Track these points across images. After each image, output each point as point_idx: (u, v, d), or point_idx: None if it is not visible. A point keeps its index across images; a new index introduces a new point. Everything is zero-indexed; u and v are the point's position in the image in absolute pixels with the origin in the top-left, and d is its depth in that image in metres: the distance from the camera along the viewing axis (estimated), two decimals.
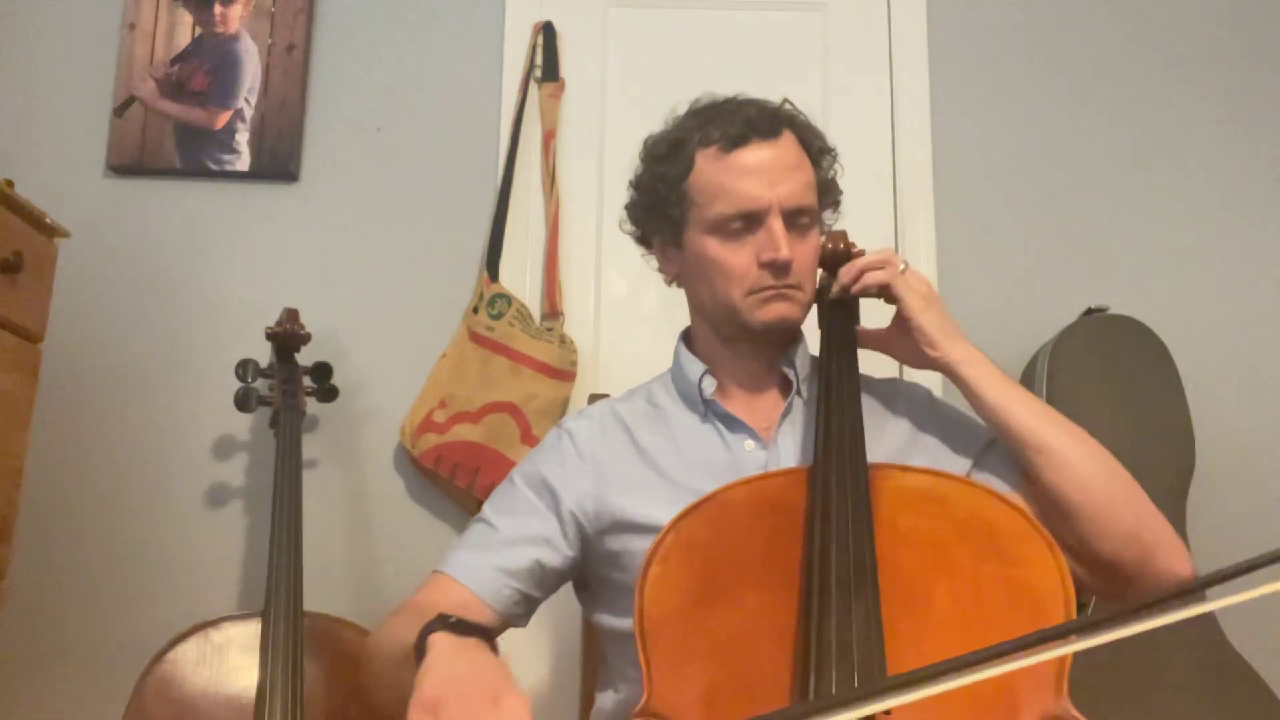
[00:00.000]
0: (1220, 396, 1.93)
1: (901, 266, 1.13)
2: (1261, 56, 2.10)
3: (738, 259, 1.12)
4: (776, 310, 1.13)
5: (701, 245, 1.14)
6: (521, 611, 1.14)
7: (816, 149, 1.19)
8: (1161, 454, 1.77)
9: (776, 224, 1.10)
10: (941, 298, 1.15)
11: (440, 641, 0.85)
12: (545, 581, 1.14)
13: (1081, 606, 1.79)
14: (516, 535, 1.13)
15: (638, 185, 1.23)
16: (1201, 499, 1.84)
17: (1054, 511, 1.03)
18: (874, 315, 1.19)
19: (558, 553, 1.13)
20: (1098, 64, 2.10)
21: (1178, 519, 1.76)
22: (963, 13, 2.11)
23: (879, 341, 1.19)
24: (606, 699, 1.15)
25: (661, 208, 1.18)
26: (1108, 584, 1.04)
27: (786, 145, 1.14)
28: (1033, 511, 0.98)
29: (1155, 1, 2.12)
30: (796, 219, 1.13)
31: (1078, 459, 1.04)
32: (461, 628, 0.87)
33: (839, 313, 1.17)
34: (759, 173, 1.11)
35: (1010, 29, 2.11)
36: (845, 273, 1.14)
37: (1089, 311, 1.89)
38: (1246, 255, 2.03)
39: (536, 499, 1.15)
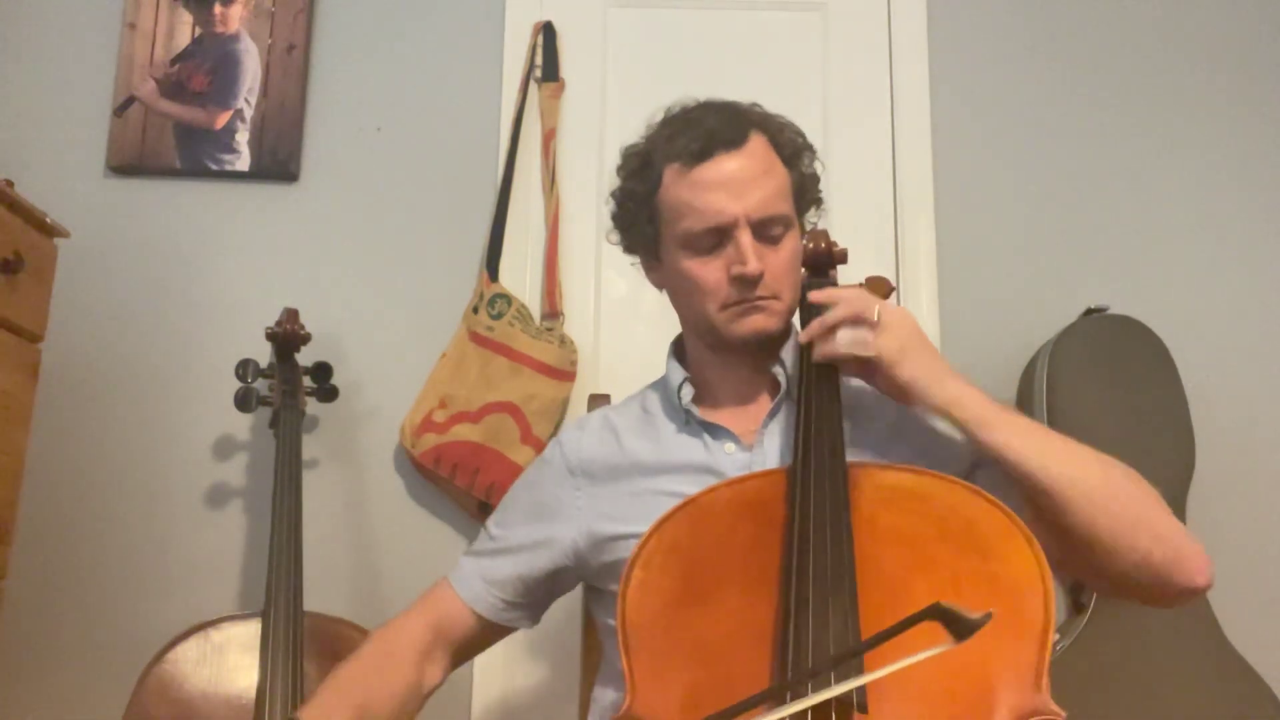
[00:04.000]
0: (1220, 396, 1.93)
1: (875, 313, 1.04)
2: (1261, 55, 2.10)
3: (709, 274, 1.11)
4: (752, 324, 1.12)
5: (675, 261, 1.14)
6: (516, 615, 1.19)
7: (790, 150, 1.16)
8: (1161, 454, 1.77)
9: (745, 237, 1.09)
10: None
11: None
12: (533, 590, 1.19)
13: (1081, 608, 1.79)
14: (505, 546, 1.19)
15: (614, 198, 1.23)
16: (1201, 499, 1.84)
17: (1059, 544, 0.99)
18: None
19: (542, 565, 1.17)
20: (1098, 63, 2.10)
21: (1178, 519, 1.76)
22: (963, 13, 2.11)
23: (863, 375, 1.10)
24: (606, 696, 1.16)
25: (636, 223, 1.18)
26: (1130, 598, 1.03)
27: (753, 152, 1.11)
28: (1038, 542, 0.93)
29: (1155, 1, 2.12)
30: (767, 229, 1.11)
31: (1083, 496, 0.97)
32: None
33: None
34: (724, 186, 1.09)
35: (1010, 28, 2.11)
36: (811, 332, 1.08)
37: (1089, 311, 1.89)
38: (1247, 255, 2.03)
39: (530, 514, 1.20)
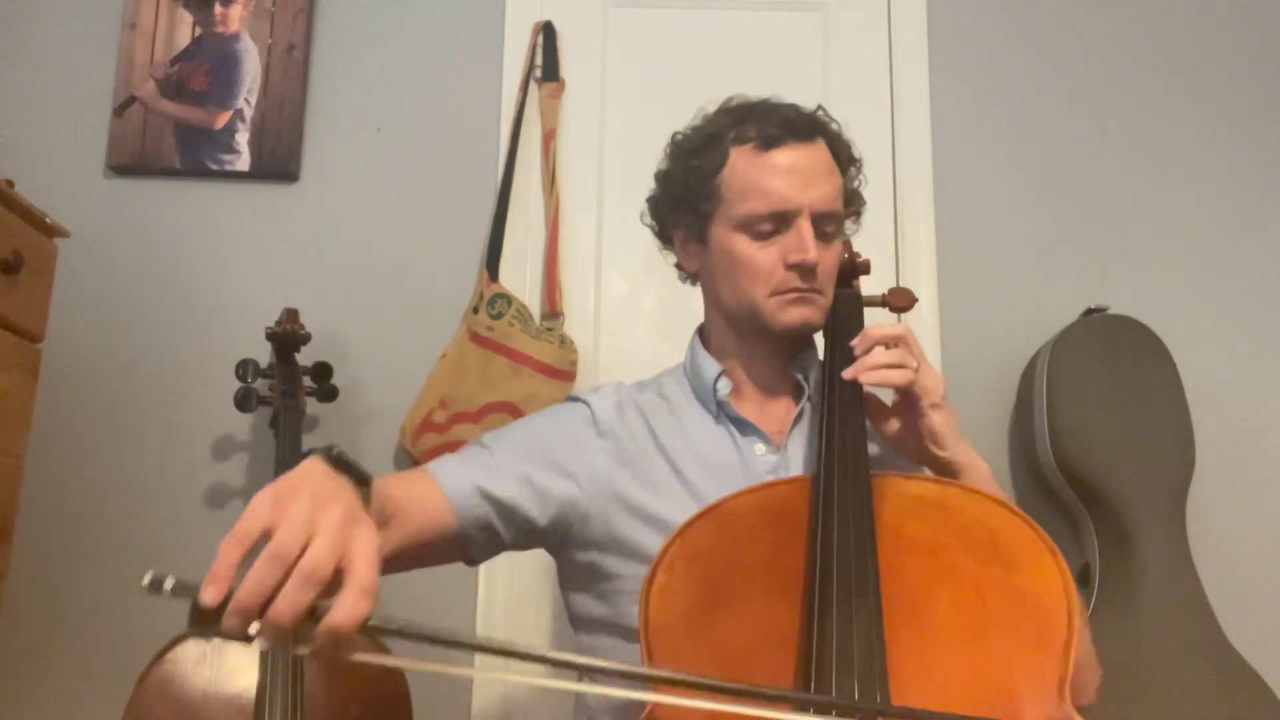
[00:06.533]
0: (1220, 396, 1.93)
1: (915, 364, 1.09)
2: (1261, 55, 2.10)
3: (764, 258, 1.13)
4: (799, 314, 1.13)
5: (729, 242, 1.14)
6: (482, 540, 1.09)
7: (846, 158, 1.20)
8: (1161, 454, 1.77)
9: (806, 226, 1.11)
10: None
11: (313, 462, 0.78)
12: (514, 523, 1.10)
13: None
14: (511, 468, 1.10)
15: (665, 178, 1.23)
16: (1201, 499, 1.84)
17: None
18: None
19: (544, 512, 1.11)
20: (1097, 63, 2.10)
21: (1178, 519, 1.76)
22: (963, 13, 2.11)
23: (878, 419, 1.13)
24: (587, 693, 1.14)
25: (690, 201, 1.18)
26: None
27: (820, 150, 1.15)
28: None
29: (1155, 2, 2.12)
30: (824, 225, 1.13)
31: None
32: (340, 463, 0.80)
33: (845, 328, 1.17)
34: (793, 174, 1.12)
35: (1010, 29, 2.11)
36: (857, 366, 1.09)
37: (1089, 311, 1.89)
38: (1246, 255, 2.03)
39: (544, 460, 1.13)
